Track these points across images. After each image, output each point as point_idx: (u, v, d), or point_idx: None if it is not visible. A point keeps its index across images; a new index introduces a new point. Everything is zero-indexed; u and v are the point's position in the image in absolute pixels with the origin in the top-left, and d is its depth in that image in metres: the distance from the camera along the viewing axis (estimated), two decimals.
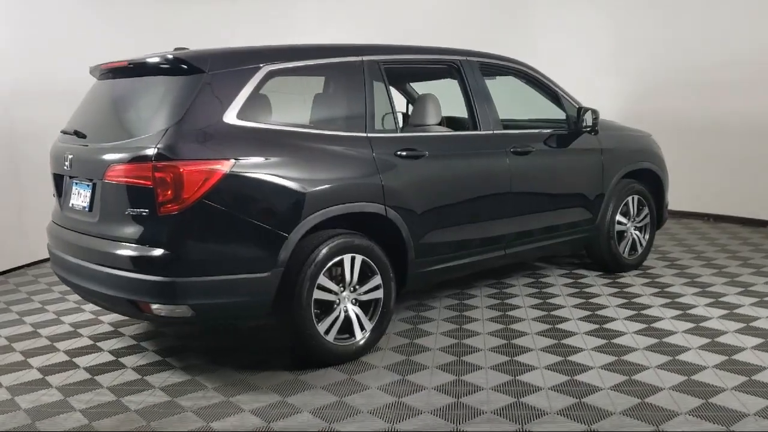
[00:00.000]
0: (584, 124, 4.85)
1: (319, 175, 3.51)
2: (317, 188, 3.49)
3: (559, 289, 4.95)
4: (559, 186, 4.84)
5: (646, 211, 5.47)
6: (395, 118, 4.00)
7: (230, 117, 3.33)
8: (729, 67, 7.07)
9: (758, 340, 3.82)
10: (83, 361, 3.86)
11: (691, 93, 7.47)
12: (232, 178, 3.23)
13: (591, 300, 4.67)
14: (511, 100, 5.42)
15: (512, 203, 4.47)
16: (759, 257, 5.78)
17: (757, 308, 4.39)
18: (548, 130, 4.90)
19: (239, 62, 3.48)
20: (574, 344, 3.86)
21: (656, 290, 4.85)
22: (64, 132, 3.90)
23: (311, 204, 3.47)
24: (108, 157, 3.37)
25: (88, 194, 3.54)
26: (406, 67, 4.56)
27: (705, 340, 3.85)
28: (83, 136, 3.67)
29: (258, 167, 3.32)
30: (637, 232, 5.43)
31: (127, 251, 3.26)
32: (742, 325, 4.09)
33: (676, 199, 7.72)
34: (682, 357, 3.62)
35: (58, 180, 3.87)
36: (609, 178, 5.13)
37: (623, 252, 5.32)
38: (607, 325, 4.15)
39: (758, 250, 6.06)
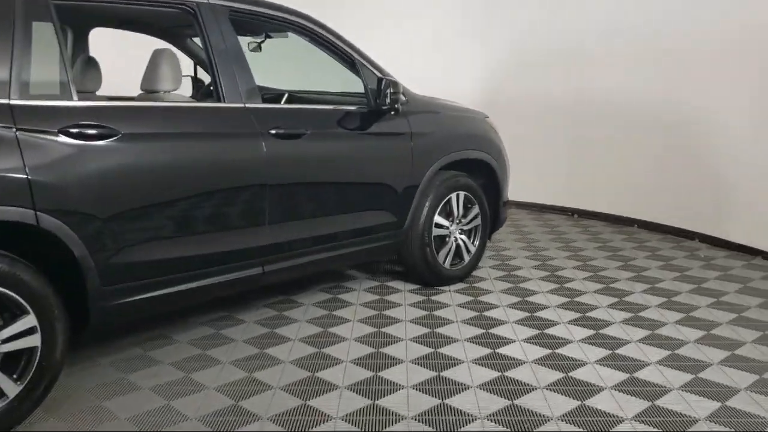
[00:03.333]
0: (384, 100, 3.73)
1: None
2: None
3: (353, 311, 3.85)
4: (344, 182, 3.72)
5: (475, 210, 4.43)
6: (68, 80, 2.72)
7: None
8: (610, 42, 6.11)
9: (556, 376, 3.00)
10: None
11: (563, 74, 6.52)
12: None
13: (384, 329, 3.60)
14: (315, 69, 4.29)
15: (271, 206, 3.30)
16: (602, 257, 5.02)
17: (572, 327, 3.56)
18: (333, 107, 3.77)
19: None
20: (330, 379, 2.97)
21: (472, 314, 3.83)
22: None
23: None
24: None
25: None
26: (102, 10, 3.28)
27: (493, 374, 3.04)
28: None
29: None
30: (464, 237, 4.40)
31: None
32: (546, 352, 3.26)
33: (539, 192, 6.86)
34: (453, 401, 2.76)
35: None
36: (422, 171, 4.04)
37: (444, 262, 4.28)
38: (385, 364, 3.11)
39: (606, 248, 5.29)
